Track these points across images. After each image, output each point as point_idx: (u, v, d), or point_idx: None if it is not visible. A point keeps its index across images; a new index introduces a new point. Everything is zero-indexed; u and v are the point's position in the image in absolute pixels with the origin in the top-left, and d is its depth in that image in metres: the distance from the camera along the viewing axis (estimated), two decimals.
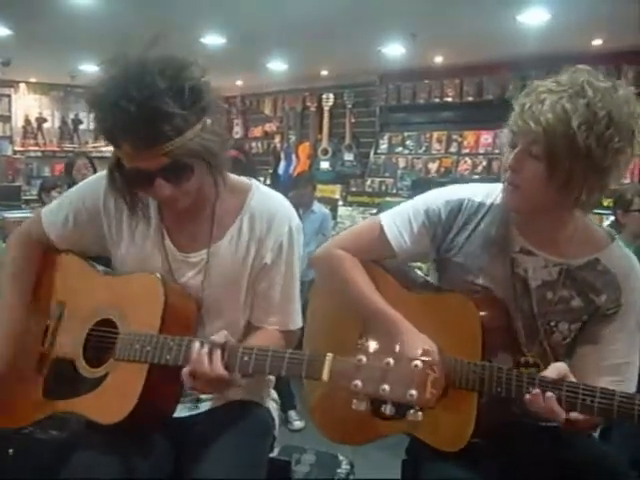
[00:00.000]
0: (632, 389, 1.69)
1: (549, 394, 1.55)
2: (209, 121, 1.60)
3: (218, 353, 1.54)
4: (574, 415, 1.54)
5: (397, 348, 1.37)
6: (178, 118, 1.50)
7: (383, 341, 1.55)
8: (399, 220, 1.87)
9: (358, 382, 1.36)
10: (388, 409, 1.34)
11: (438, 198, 1.85)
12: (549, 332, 1.76)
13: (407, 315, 1.80)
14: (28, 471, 2.27)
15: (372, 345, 1.38)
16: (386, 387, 1.33)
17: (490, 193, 1.83)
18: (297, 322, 1.87)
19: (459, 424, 1.69)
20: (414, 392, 1.31)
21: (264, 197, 1.82)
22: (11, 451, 2.60)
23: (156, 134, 1.50)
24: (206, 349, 1.54)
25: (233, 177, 1.84)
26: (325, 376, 1.43)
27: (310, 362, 1.48)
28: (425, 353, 1.36)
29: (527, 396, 1.58)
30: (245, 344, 1.60)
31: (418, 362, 1.32)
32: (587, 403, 1.53)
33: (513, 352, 1.75)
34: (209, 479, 1.59)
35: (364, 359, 1.37)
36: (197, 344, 1.56)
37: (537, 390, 1.57)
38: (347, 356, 1.39)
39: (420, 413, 1.33)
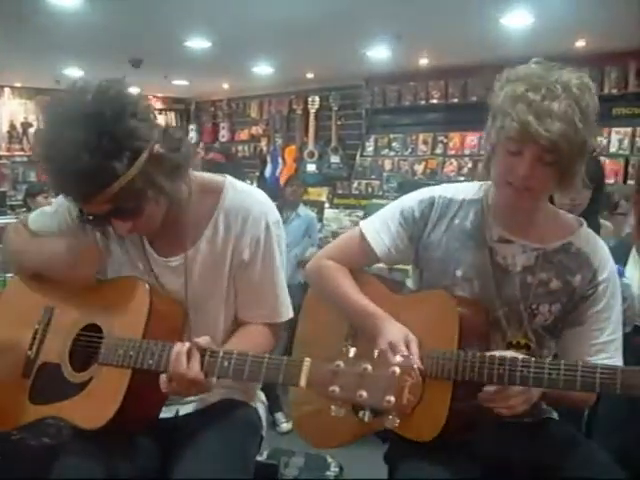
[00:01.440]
0: (620, 362, 1.77)
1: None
2: (156, 147, 1.59)
3: (197, 355, 1.54)
4: (517, 389, 1.61)
5: (376, 354, 1.37)
6: (105, 170, 1.50)
7: (363, 343, 1.57)
8: (378, 224, 1.95)
9: (335, 388, 1.35)
10: (366, 416, 1.34)
11: (412, 199, 1.94)
12: (531, 315, 1.81)
13: (392, 313, 1.85)
14: (15, 476, 2.27)
15: (351, 351, 1.38)
16: (363, 393, 1.32)
17: (461, 191, 1.91)
18: (282, 314, 1.87)
19: (433, 412, 1.70)
20: (391, 398, 1.30)
21: (238, 194, 1.81)
22: None
23: (85, 191, 1.55)
24: (185, 348, 1.54)
25: (206, 176, 1.85)
26: (302, 382, 1.43)
27: (288, 368, 1.48)
28: (404, 359, 1.36)
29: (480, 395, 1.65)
30: (226, 347, 1.59)
31: (396, 368, 1.32)
32: (553, 377, 1.58)
33: (488, 343, 1.78)
34: (193, 476, 1.59)
35: (342, 364, 1.37)
36: (177, 345, 1.57)
37: (491, 388, 1.64)
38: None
39: (397, 419, 1.34)
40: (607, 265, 1.81)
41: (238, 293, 1.83)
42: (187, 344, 1.55)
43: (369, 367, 1.34)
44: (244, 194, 1.81)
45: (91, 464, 1.59)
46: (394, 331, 1.77)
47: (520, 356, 1.64)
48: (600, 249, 1.83)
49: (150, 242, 1.79)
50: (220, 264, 1.78)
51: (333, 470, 3.62)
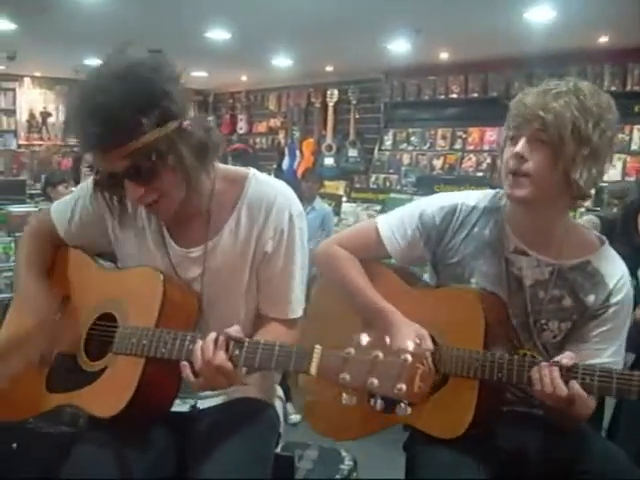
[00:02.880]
0: None
1: (554, 368, 1.59)
2: (185, 123, 1.59)
3: (223, 344, 1.53)
4: (576, 388, 1.57)
5: (387, 341, 1.36)
6: (132, 122, 1.50)
7: (376, 334, 1.56)
8: (394, 223, 1.94)
9: (346, 375, 1.34)
10: (378, 403, 1.33)
11: (432, 204, 1.92)
12: (540, 330, 1.80)
13: (410, 309, 1.84)
14: (31, 465, 2.28)
15: (363, 338, 1.37)
16: (374, 381, 1.31)
17: (483, 198, 1.90)
18: (298, 310, 1.85)
19: (459, 411, 1.70)
20: (402, 386, 1.29)
21: (262, 185, 1.79)
22: (15, 445, 2.61)
23: (109, 140, 1.52)
24: (212, 336, 1.53)
25: (230, 168, 1.83)
26: (313, 370, 1.41)
27: (298, 356, 1.46)
28: (415, 346, 1.34)
29: (535, 373, 1.61)
30: (240, 337, 1.58)
31: (407, 355, 1.30)
32: (586, 382, 1.57)
33: (511, 347, 1.78)
34: (214, 477, 1.58)
35: (353, 352, 1.35)
36: (199, 340, 1.55)
37: (544, 363, 1.61)
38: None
39: (409, 408, 1.32)
40: (623, 288, 1.77)
41: (260, 286, 1.81)
42: (212, 334, 1.54)
43: (380, 354, 1.32)
44: (268, 186, 1.79)
45: (106, 453, 1.59)
46: (404, 332, 1.77)
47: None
48: (618, 271, 1.79)
49: (170, 233, 1.78)
50: (242, 255, 1.76)
51: (347, 464, 3.59)
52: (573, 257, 1.78)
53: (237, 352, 1.52)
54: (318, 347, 1.42)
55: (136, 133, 1.52)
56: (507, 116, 1.73)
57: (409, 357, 1.30)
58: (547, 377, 1.58)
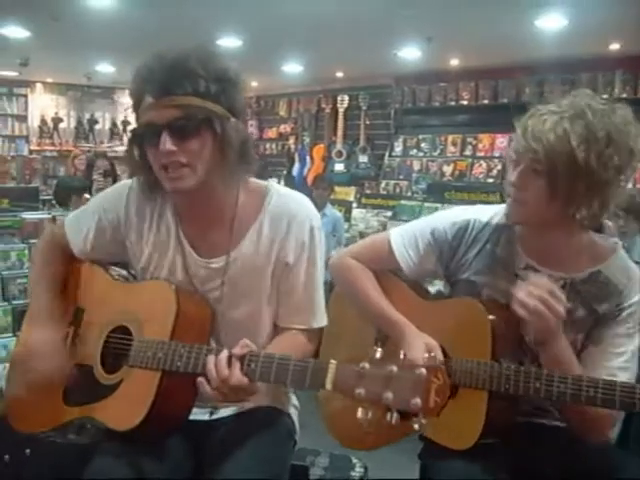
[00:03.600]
0: None
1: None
2: (240, 122, 1.67)
3: (237, 361, 1.53)
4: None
5: (402, 355, 1.36)
6: (202, 82, 1.59)
7: (389, 347, 1.56)
8: (406, 238, 1.95)
9: (361, 390, 1.34)
10: (394, 418, 1.32)
11: (445, 219, 1.92)
12: None
13: (421, 320, 1.86)
14: (45, 473, 2.29)
15: (378, 352, 1.37)
16: (389, 395, 1.31)
17: (496, 214, 1.89)
18: (321, 320, 1.86)
19: (469, 422, 1.71)
20: (418, 400, 1.28)
21: (283, 198, 1.80)
22: (28, 451, 2.62)
23: (176, 83, 1.58)
24: (224, 355, 1.54)
25: (251, 179, 1.84)
26: (329, 385, 1.41)
27: (314, 370, 1.46)
28: (430, 359, 1.35)
29: (518, 294, 1.63)
30: (254, 351, 1.58)
31: (422, 370, 1.30)
32: (590, 394, 1.58)
33: (522, 359, 1.78)
34: None
35: (367, 366, 1.35)
36: (211, 356, 1.56)
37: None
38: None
39: (424, 421, 1.32)
40: (636, 291, 1.77)
41: (280, 297, 1.81)
42: (225, 352, 1.55)
43: (395, 369, 1.32)
44: (289, 198, 1.81)
45: (122, 464, 1.60)
46: (416, 344, 1.78)
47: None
48: (632, 275, 1.78)
49: (191, 244, 1.79)
50: (263, 267, 1.77)
51: (358, 470, 3.58)
52: (584, 269, 1.78)
53: (253, 366, 1.52)
54: (333, 362, 1.42)
55: (200, 92, 1.59)
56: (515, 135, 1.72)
57: (424, 371, 1.30)
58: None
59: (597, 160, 1.57)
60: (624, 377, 1.71)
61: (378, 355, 1.37)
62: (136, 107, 1.66)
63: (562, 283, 1.77)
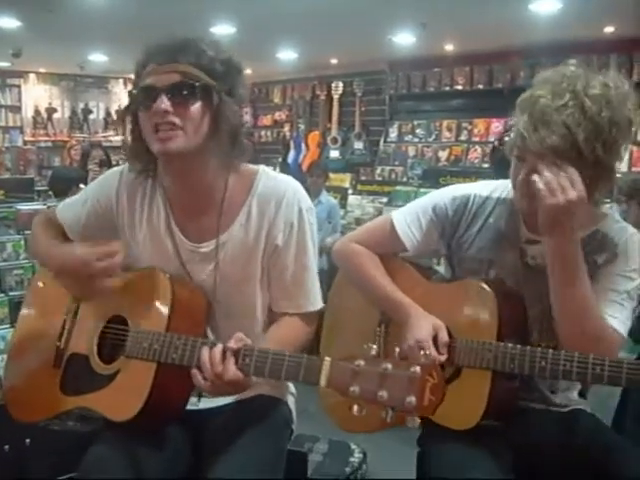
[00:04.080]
0: (621, 329, 1.73)
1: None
2: (231, 99, 1.68)
3: (231, 356, 1.53)
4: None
5: (396, 352, 1.36)
6: (207, 57, 1.63)
7: (393, 329, 1.53)
8: (409, 217, 1.96)
9: (356, 388, 1.34)
10: (389, 416, 1.32)
11: (445, 195, 1.94)
12: None
13: (427, 301, 1.87)
14: (45, 461, 2.31)
15: (373, 349, 1.37)
16: (384, 394, 1.30)
17: (497, 188, 1.91)
18: (315, 303, 1.85)
19: (472, 402, 1.73)
20: (412, 399, 1.28)
21: (272, 181, 1.80)
22: (28, 441, 2.64)
23: (181, 52, 1.62)
24: (219, 349, 1.54)
25: (241, 165, 1.84)
26: (323, 382, 1.40)
27: (308, 367, 1.46)
28: (425, 357, 1.34)
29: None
30: (249, 345, 1.57)
31: (417, 368, 1.30)
32: (597, 372, 1.59)
33: (526, 340, 1.78)
34: (228, 475, 1.59)
35: (362, 364, 1.35)
36: (205, 350, 1.55)
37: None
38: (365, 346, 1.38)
39: (419, 420, 1.32)
40: (632, 240, 1.78)
41: (271, 281, 1.82)
42: (220, 346, 1.55)
43: (389, 366, 1.32)
44: (277, 181, 1.81)
45: (121, 453, 1.61)
46: (422, 325, 1.79)
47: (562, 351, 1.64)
48: (627, 229, 1.81)
49: (181, 229, 1.79)
50: (253, 250, 1.77)
51: (357, 456, 3.63)
52: (582, 231, 1.77)
53: (247, 361, 1.52)
54: (327, 359, 1.41)
55: (204, 65, 1.62)
56: (515, 119, 1.70)
57: (418, 369, 1.30)
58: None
59: (603, 148, 1.59)
60: (615, 311, 1.72)
61: (373, 352, 1.37)
62: (137, 77, 1.68)
63: None
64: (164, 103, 1.59)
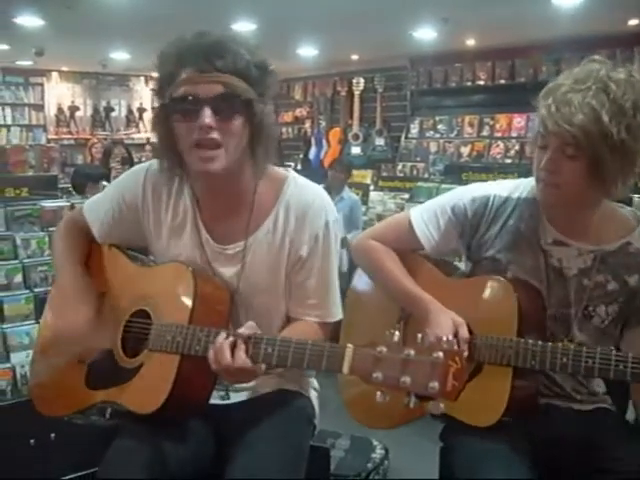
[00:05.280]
0: None
1: None
2: (268, 107, 1.68)
3: (242, 345, 1.53)
4: None
5: (419, 338, 1.36)
6: (244, 63, 1.58)
7: (413, 325, 1.53)
8: (426, 215, 1.94)
9: (379, 374, 1.33)
10: (412, 402, 1.32)
11: (464, 195, 1.91)
12: (587, 317, 1.80)
13: (446, 298, 1.85)
14: (69, 456, 2.32)
15: (395, 335, 1.36)
16: (407, 379, 1.30)
17: (517, 188, 1.88)
18: (335, 314, 1.85)
19: (493, 399, 1.72)
20: (435, 384, 1.28)
21: (300, 189, 1.79)
22: (53, 436, 2.66)
23: (220, 59, 1.56)
24: (229, 340, 1.53)
25: (270, 167, 1.83)
26: (345, 369, 1.40)
27: (330, 354, 1.45)
28: (448, 343, 1.34)
29: None
30: (271, 335, 1.57)
31: (440, 353, 1.29)
32: (620, 369, 1.58)
33: (545, 337, 1.77)
34: (250, 471, 1.60)
35: (385, 350, 1.34)
36: (222, 336, 1.55)
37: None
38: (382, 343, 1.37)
39: (442, 405, 1.31)
40: None
41: (292, 290, 1.81)
42: (230, 337, 1.54)
43: (412, 352, 1.31)
44: (305, 189, 1.80)
45: (145, 446, 1.62)
46: (441, 320, 1.78)
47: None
48: None
49: (208, 230, 1.79)
50: (278, 257, 1.77)
51: (379, 452, 3.62)
52: (613, 240, 1.78)
53: (270, 350, 1.52)
54: (350, 346, 1.41)
55: (242, 73, 1.58)
56: (538, 110, 1.68)
57: (441, 355, 1.29)
58: None
59: (627, 132, 1.56)
60: None
61: (395, 339, 1.36)
62: (167, 80, 1.61)
63: (592, 256, 1.78)
64: (208, 117, 1.55)
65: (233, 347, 1.53)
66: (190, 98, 1.57)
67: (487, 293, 1.83)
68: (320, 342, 1.53)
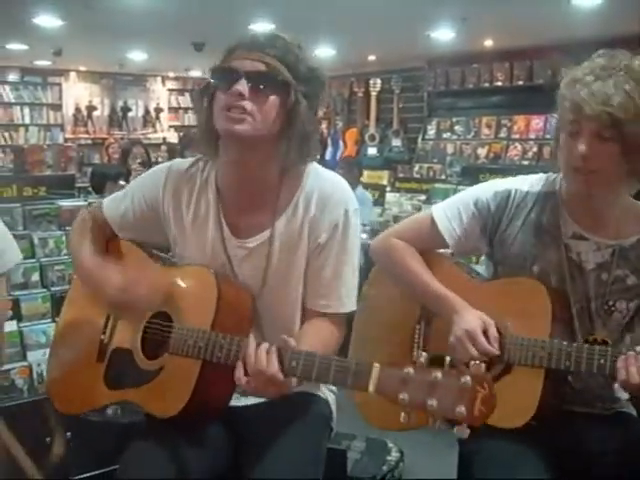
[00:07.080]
0: None
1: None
2: (307, 104, 1.68)
3: (275, 353, 1.52)
4: None
5: (447, 362, 1.33)
6: (293, 59, 1.65)
7: (435, 325, 1.50)
8: (449, 212, 1.93)
9: (405, 396, 1.32)
10: (437, 425, 1.30)
11: (486, 190, 1.91)
12: (608, 312, 1.78)
13: (473, 299, 1.84)
14: (86, 454, 2.33)
15: (422, 356, 1.34)
16: (434, 403, 1.29)
17: (537, 182, 1.88)
18: (348, 306, 1.83)
19: (523, 401, 1.69)
20: (463, 409, 1.26)
21: (320, 179, 1.79)
22: (69, 434, 2.67)
23: (271, 46, 1.64)
24: (264, 346, 1.53)
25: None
26: (371, 388, 1.38)
27: (356, 372, 1.43)
28: (476, 369, 1.32)
29: (620, 363, 1.59)
30: (294, 347, 1.54)
31: (468, 378, 1.28)
32: None
33: (569, 336, 1.76)
34: (268, 473, 1.59)
35: (412, 372, 1.33)
36: (252, 343, 1.54)
37: (631, 353, 1.59)
38: (403, 344, 1.36)
39: (468, 430, 1.29)
40: None
41: (309, 277, 1.79)
42: (266, 344, 1.53)
43: (439, 375, 1.30)
44: (326, 180, 1.79)
45: (163, 449, 1.62)
46: (470, 317, 1.77)
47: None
48: None
49: (229, 224, 1.78)
50: (297, 246, 1.76)
51: (394, 455, 3.61)
52: (632, 235, 1.77)
53: (294, 364, 1.51)
54: (377, 365, 1.39)
55: (289, 64, 1.64)
56: (559, 103, 1.70)
57: (469, 379, 1.28)
58: (633, 367, 1.56)
59: None
60: None
61: (422, 359, 1.34)
62: (221, 61, 1.69)
63: (611, 251, 1.77)
64: (242, 86, 1.60)
65: (268, 353, 1.52)
66: (230, 69, 1.63)
67: (519, 294, 1.80)
68: (335, 349, 1.55)
